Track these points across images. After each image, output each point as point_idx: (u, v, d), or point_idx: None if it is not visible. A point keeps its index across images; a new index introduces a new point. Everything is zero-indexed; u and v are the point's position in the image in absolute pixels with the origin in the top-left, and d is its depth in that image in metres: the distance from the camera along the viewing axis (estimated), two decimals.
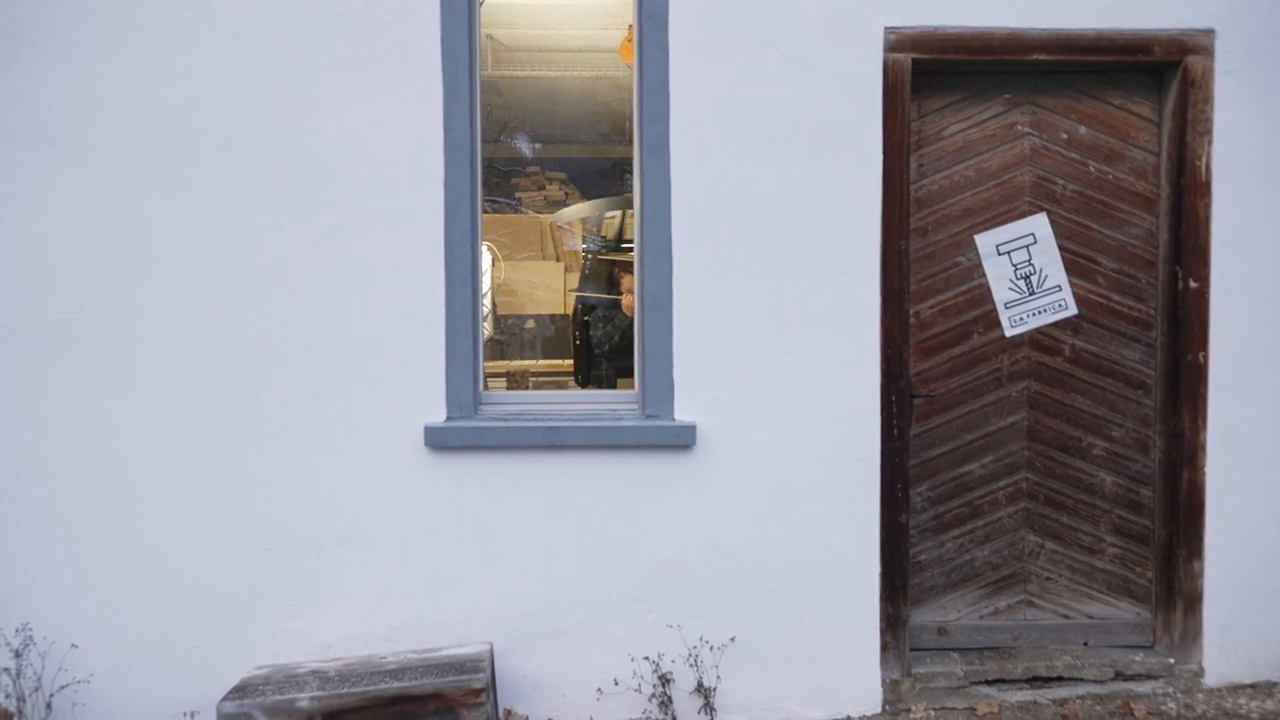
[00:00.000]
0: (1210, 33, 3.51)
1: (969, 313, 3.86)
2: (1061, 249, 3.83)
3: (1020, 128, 3.81)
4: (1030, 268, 3.86)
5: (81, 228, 3.33)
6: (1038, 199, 3.83)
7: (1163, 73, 3.70)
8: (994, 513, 3.87)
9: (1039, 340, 3.85)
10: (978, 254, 3.86)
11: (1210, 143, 3.53)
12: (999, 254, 3.86)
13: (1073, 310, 3.84)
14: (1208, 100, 3.53)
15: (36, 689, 3.29)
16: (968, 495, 3.88)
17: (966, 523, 3.87)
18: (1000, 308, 3.86)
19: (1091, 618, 3.85)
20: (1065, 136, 3.80)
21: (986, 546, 3.88)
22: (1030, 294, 3.86)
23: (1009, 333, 3.86)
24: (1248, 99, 3.54)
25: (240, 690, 3.03)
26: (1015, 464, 3.86)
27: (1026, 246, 3.85)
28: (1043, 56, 3.49)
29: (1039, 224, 3.84)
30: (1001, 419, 3.85)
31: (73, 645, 3.33)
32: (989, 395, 3.86)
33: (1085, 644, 3.83)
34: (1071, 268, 3.83)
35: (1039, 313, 3.85)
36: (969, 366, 3.87)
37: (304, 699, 2.95)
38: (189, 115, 3.34)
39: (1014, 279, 3.86)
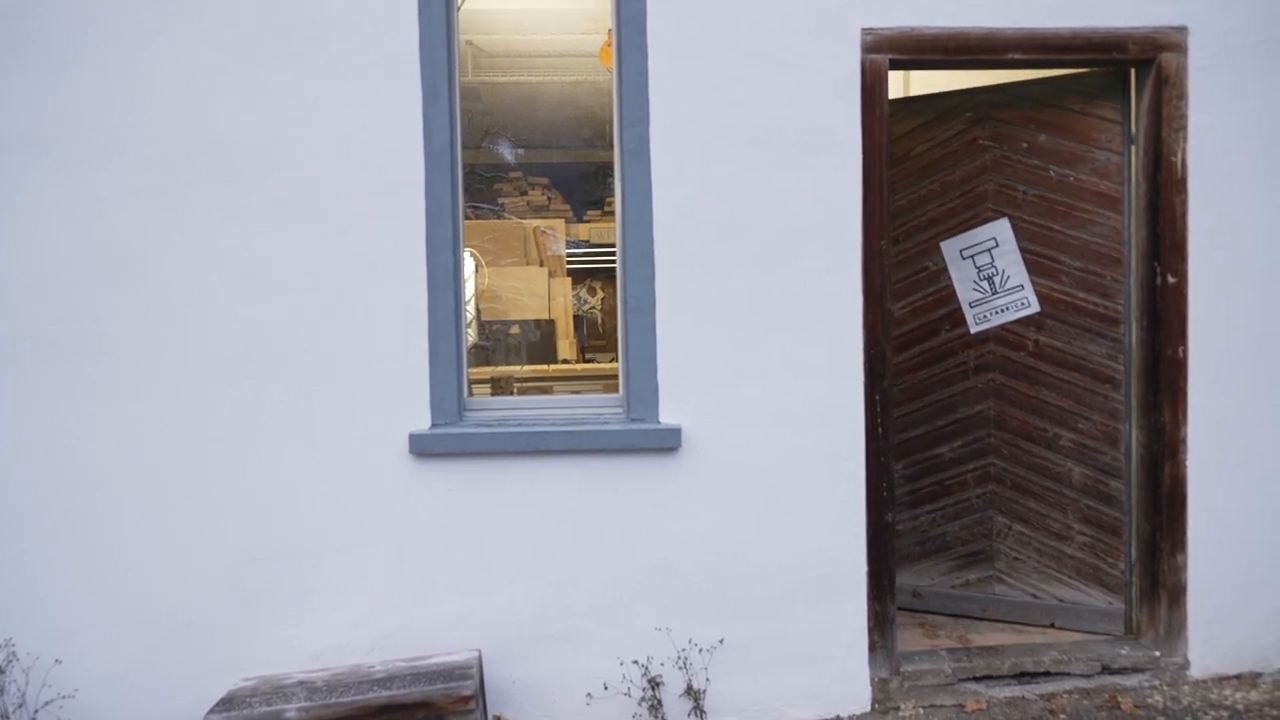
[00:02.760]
0: (1183, 30, 3.55)
1: (937, 311, 4.20)
2: (1024, 250, 4.02)
3: (981, 142, 4.10)
4: (993, 269, 4.08)
5: (75, 236, 3.31)
6: (999, 205, 4.05)
7: (1128, 72, 3.76)
8: (963, 493, 4.19)
9: (1004, 336, 4.08)
10: (943, 259, 4.16)
11: (1185, 139, 3.57)
12: (963, 258, 4.13)
13: (1035, 308, 4.02)
14: (1182, 97, 3.56)
15: (20, 705, 3.26)
16: (939, 475, 4.24)
17: (939, 499, 4.23)
18: (965, 307, 4.14)
19: (1061, 600, 4.00)
20: (1026, 145, 4.00)
21: (956, 523, 4.21)
22: (993, 293, 4.09)
23: (973, 329, 4.13)
24: (1222, 95, 3.57)
25: (227, 702, 3.01)
26: (980, 450, 4.15)
27: (989, 250, 4.08)
28: (1018, 56, 3.51)
29: (1000, 229, 4.05)
30: (969, 407, 4.16)
31: (56, 661, 3.30)
32: (957, 385, 4.18)
33: (1053, 625, 4.02)
34: (1034, 268, 4.01)
35: (1002, 310, 4.07)
36: (938, 360, 4.21)
37: (291, 710, 2.93)
38: (179, 122, 3.33)
39: (977, 280, 4.11)
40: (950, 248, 4.16)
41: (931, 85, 4.63)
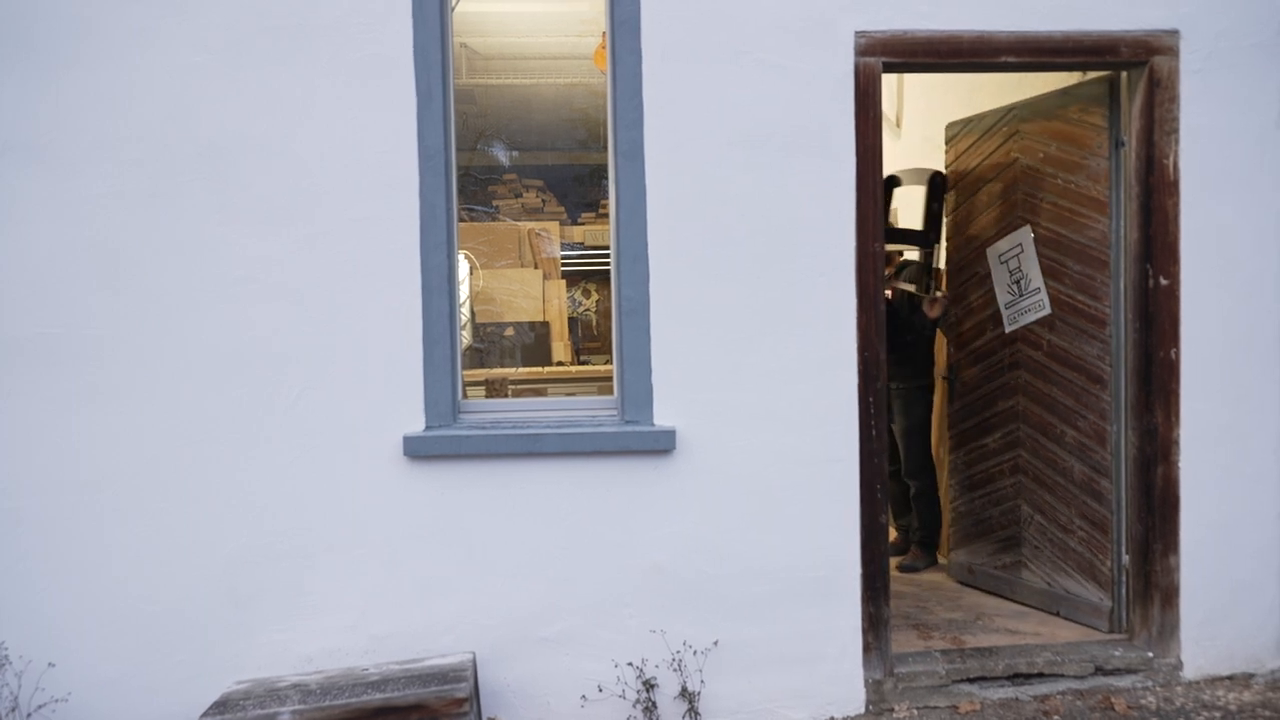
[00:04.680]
0: (1175, 33, 3.56)
1: (985, 312, 4.57)
2: (1040, 255, 4.20)
3: (1013, 154, 4.36)
4: (1020, 273, 4.32)
5: (66, 240, 3.29)
6: (1025, 213, 4.27)
7: (1119, 77, 3.80)
8: (1000, 481, 4.51)
9: (1027, 336, 4.32)
10: (987, 264, 4.51)
11: (1177, 142, 3.58)
12: (1000, 263, 4.44)
13: (1048, 310, 4.18)
14: (1174, 99, 3.58)
15: (14, 708, 3.25)
16: (985, 463, 4.60)
17: (985, 485, 4.59)
18: (1001, 308, 4.47)
19: (1068, 592, 4.14)
20: (1042, 155, 4.19)
21: (997, 509, 4.54)
22: (1020, 296, 4.34)
23: (1007, 329, 4.43)
24: (1213, 98, 3.59)
25: (221, 706, 3.00)
26: (1012, 442, 4.43)
27: (1016, 255, 4.33)
28: (1011, 59, 3.52)
29: (1025, 235, 4.27)
30: (1005, 402, 4.46)
31: (50, 664, 3.29)
32: (996, 380, 4.48)
33: (1058, 613, 4.16)
34: (1048, 271, 4.19)
35: (1025, 312, 4.31)
36: (985, 356, 4.59)
37: (285, 713, 2.93)
38: (169, 125, 3.31)
39: (1009, 284, 4.39)
40: (992, 253, 4.48)
41: (977, 104, 4.80)
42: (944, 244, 4.96)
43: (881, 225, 3.52)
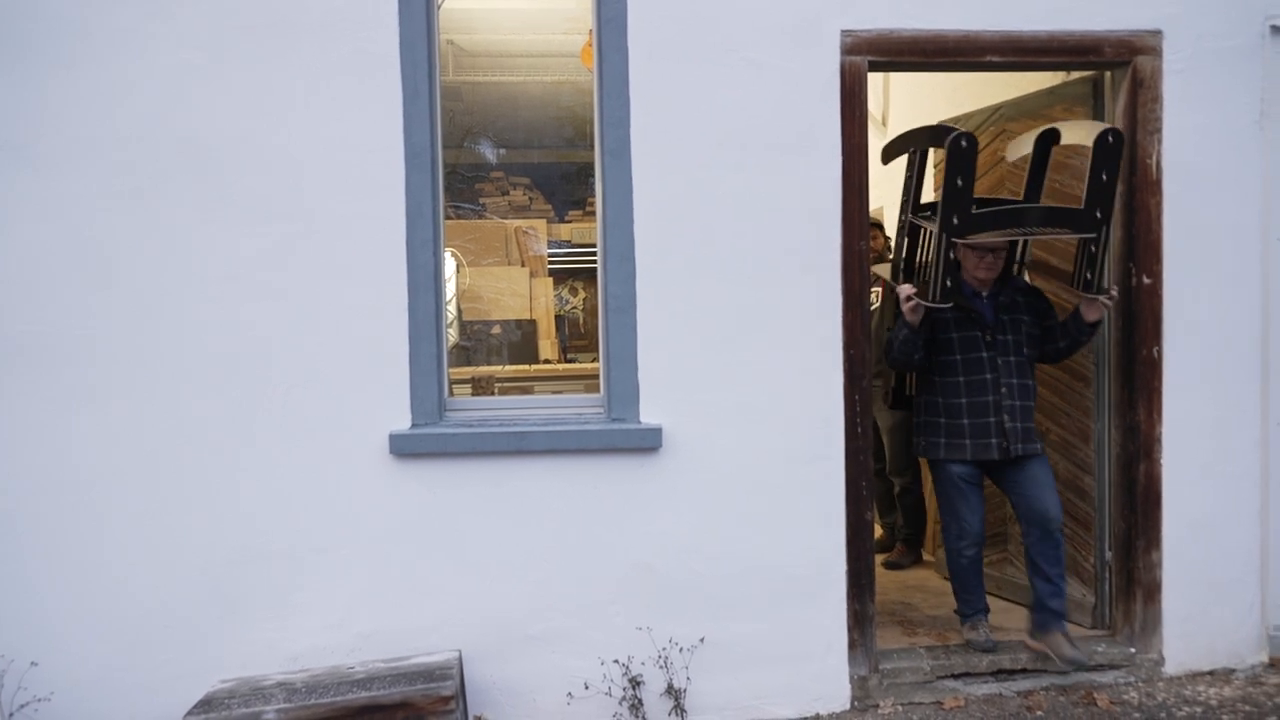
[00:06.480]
0: (1158, 33, 3.58)
1: None
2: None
3: (1000, 153, 4.32)
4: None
5: (49, 240, 3.26)
6: None
7: (1103, 77, 3.81)
8: None
9: None
10: None
11: (1160, 141, 3.61)
12: None
13: None
14: (1157, 99, 3.60)
15: None
16: None
17: None
18: None
19: None
20: (1027, 155, 4.06)
21: (986, 505, 4.20)
22: None
23: None
24: (1195, 98, 3.62)
25: (205, 704, 2.99)
26: None
27: None
28: (996, 58, 3.54)
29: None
30: None
31: (32, 663, 3.27)
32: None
33: None
34: (1036, 269, 4.17)
35: None
36: None
37: (270, 712, 2.92)
38: (155, 124, 3.29)
39: None
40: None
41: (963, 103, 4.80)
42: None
43: (868, 224, 3.54)
